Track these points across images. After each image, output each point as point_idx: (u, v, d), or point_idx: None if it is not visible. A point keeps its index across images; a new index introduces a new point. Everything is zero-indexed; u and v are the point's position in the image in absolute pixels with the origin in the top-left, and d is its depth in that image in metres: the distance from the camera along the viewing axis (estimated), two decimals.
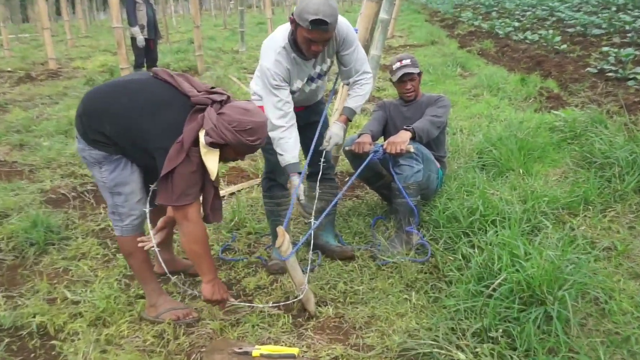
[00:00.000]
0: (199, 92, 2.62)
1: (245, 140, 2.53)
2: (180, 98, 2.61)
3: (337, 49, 3.22)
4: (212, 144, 2.51)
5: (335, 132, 3.34)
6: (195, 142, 2.52)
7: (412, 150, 3.45)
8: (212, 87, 2.71)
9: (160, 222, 2.95)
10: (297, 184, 3.06)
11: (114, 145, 2.60)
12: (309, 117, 3.49)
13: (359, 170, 3.57)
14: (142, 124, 2.55)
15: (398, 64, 3.86)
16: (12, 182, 4.98)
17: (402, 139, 3.47)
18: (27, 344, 2.76)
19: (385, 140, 3.80)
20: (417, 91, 3.96)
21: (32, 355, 2.68)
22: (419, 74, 3.92)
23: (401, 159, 3.51)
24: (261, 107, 3.11)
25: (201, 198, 2.71)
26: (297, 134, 3.19)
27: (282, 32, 3.11)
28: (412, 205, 3.49)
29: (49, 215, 4.06)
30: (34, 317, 2.91)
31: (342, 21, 3.11)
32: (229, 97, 2.66)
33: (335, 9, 2.86)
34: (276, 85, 3.06)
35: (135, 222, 2.79)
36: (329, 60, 3.29)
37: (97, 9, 43.09)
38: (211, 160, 2.55)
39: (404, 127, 3.62)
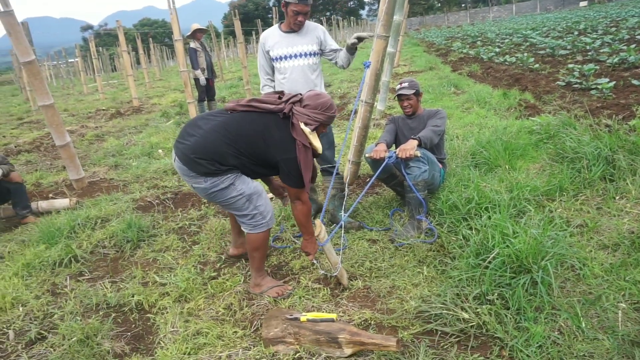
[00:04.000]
0: (278, 105, 2.71)
1: (330, 114, 2.76)
2: (267, 116, 2.69)
3: (320, 45, 3.58)
4: (313, 129, 2.72)
5: (349, 41, 3.47)
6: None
7: (419, 154, 3.43)
8: (279, 94, 2.83)
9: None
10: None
11: (238, 168, 2.67)
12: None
13: (377, 173, 3.56)
14: (261, 148, 2.64)
15: (399, 86, 3.88)
16: (111, 194, 5.11)
17: (410, 146, 3.45)
18: (128, 317, 2.83)
19: (397, 147, 3.79)
20: (415, 107, 3.90)
21: (133, 325, 2.75)
22: (416, 94, 3.87)
23: (411, 162, 3.49)
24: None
25: None
26: (273, 89, 3.63)
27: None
28: (421, 199, 3.47)
29: (140, 218, 4.14)
30: (133, 296, 2.99)
31: (320, 26, 3.61)
32: (301, 95, 2.82)
33: None
34: (260, 45, 3.58)
35: (273, 216, 2.85)
36: (306, 46, 3.51)
37: (167, 58, 43.95)
38: (316, 140, 2.74)
39: (412, 136, 3.60)
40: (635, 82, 6.88)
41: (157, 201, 4.81)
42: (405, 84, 3.85)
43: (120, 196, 5.02)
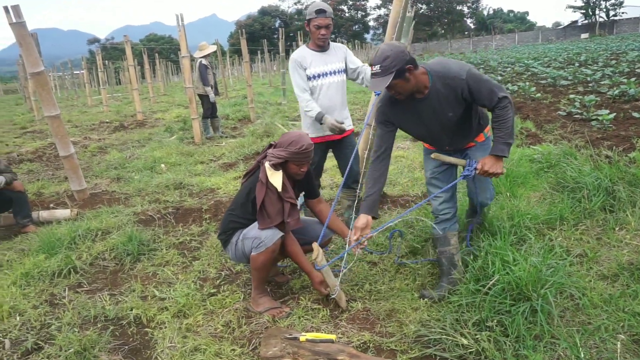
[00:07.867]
0: (259, 159, 2.96)
1: (294, 150, 2.76)
2: (255, 173, 2.92)
3: (345, 61, 3.72)
4: (274, 166, 2.78)
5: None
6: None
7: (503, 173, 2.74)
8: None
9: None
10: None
11: (242, 226, 2.95)
12: (343, 147, 3.87)
13: (449, 185, 2.96)
14: (250, 205, 2.89)
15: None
16: (112, 206, 5.12)
17: (499, 171, 2.66)
18: (126, 331, 2.82)
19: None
20: (408, 88, 2.60)
21: (131, 339, 2.74)
22: (399, 75, 2.49)
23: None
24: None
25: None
26: (316, 104, 3.66)
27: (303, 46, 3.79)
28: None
29: (141, 232, 4.15)
30: (131, 310, 2.98)
31: (343, 45, 3.83)
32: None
33: (328, 6, 3.54)
34: (296, 65, 3.64)
35: (271, 237, 2.84)
36: (337, 64, 3.67)
37: (172, 73, 44.40)
38: (275, 177, 2.79)
39: (502, 155, 2.66)
40: (635, 114, 6.96)
41: (158, 215, 4.81)
42: (376, 68, 2.47)
43: (122, 209, 5.03)
